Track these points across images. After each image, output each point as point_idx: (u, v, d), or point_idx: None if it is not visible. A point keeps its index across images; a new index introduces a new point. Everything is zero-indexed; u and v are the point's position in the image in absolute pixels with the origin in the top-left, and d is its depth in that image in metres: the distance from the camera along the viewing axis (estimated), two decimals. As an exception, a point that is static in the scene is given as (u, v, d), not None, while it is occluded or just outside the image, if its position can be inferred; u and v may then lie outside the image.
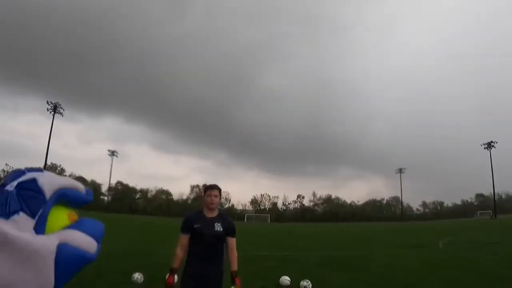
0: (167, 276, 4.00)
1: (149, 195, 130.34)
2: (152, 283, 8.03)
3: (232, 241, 4.37)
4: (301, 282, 8.01)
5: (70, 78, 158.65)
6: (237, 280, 4.15)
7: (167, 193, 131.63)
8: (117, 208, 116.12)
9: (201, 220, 4.26)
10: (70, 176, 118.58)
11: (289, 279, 8.47)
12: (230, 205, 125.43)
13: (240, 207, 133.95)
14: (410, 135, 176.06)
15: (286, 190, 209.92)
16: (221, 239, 4.25)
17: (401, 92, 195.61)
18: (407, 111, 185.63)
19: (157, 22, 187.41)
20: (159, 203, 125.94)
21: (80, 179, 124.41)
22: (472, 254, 14.70)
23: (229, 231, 4.34)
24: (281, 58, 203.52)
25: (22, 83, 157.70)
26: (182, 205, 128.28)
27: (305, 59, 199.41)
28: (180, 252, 4.25)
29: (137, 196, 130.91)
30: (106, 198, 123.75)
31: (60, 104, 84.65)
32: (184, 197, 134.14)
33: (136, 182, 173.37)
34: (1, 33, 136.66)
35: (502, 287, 7.31)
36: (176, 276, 3.94)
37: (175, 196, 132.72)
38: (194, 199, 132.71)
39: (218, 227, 4.26)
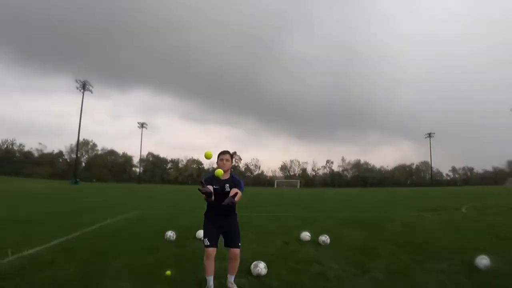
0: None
1: (180, 165, 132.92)
2: (183, 240, 8.77)
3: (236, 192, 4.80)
4: (320, 237, 8.66)
5: (97, 55, 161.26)
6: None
7: (198, 162, 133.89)
8: (149, 179, 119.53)
9: (216, 182, 5.01)
10: (102, 150, 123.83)
11: (309, 235, 9.14)
12: (260, 171, 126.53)
13: (270, 174, 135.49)
14: (439, 99, 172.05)
15: (316, 155, 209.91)
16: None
17: (429, 56, 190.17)
18: (436, 74, 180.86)
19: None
20: (190, 173, 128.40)
21: (112, 152, 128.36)
22: (491, 218, 14.97)
23: (235, 186, 5.00)
24: (309, 23, 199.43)
25: (50, 64, 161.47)
26: (213, 174, 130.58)
27: (333, 24, 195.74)
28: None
29: (168, 166, 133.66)
30: (138, 169, 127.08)
31: (89, 82, 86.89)
32: (215, 165, 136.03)
33: (167, 152, 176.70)
34: (25, 18, 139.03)
35: None
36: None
37: (206, 165, 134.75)
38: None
39: (227, 187, 5.03)
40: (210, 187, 4.62)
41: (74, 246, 7.94)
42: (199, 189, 4.50)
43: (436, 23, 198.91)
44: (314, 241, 8.78)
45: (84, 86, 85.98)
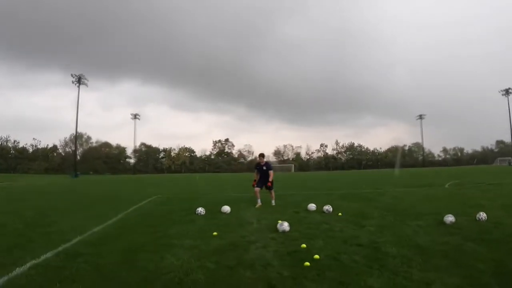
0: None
1: (172, 153, 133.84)
2: (212, 214, 10.73)
3: (270, 172, 13.10)
4: (324, 207, 10.75)
5: (85, 48, 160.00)
6: (269, 184, 13.12)
7: (190, 151, 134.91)
8: (143, 169, 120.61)
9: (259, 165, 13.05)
10: (96, 142, 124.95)
11: (315, 205, 11.23)
12: (253, 157, 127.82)
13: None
14: (431, 81, 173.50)
15: (309, 140, 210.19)
16: (266, 171, 13.02)
17: (421, 38, 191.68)
18: (427, 57, 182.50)
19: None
20: (183, 161, 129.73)
21: (106, 144, 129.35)
22: (468, 191, 17.16)
23: (269, 168, 13.04)
24: (301, 7, 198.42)
25: (38, 59, 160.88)
26: (206, 161, 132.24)
27: (325, 6, 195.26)
28: (255, 175, 13.33)
29: (161, 155, 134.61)
30: (132, 160, 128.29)
31: (84, 75, 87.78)
32: (207, 152, 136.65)
33: (159, 142, 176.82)
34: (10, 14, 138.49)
35: (477, 211, 9.66)
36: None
37: (198, 153, 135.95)
38: (217, 154, 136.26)
39: (264, 167, 13.10)
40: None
41: (127, 223, 9.63)
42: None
43: (429, 6, 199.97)
44: (318, 211, 10.90)
45: (79, 80, 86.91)
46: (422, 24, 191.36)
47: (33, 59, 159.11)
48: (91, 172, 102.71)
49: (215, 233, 7.62)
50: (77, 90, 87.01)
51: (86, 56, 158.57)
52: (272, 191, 13.31)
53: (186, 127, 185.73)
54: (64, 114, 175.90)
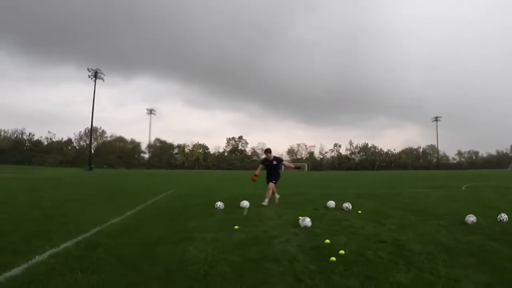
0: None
1: (186, 150, 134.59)
2: (230, 208, 10.84)
3: (284, 162, 12.79)
4: (343, 204, 10.78)
5: (100, 44, 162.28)
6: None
7: (204, 147, 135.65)
8: (157, 164, 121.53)
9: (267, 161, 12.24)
10: (110, 137, 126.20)
11: (334, 203, 11.25)
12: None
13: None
14: (446, 82, 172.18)
15: (322, 139, 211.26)
16: (277, 165, 12.02)
17: (437, 38, 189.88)
18: (443, 57, 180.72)
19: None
20: (197, 157, 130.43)
21: (121, 139, 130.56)
22: (485, 194, 17.09)
23: (280, 161, 12.47)
24: (313, 5, 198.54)
25: (55, 53, 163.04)
26: (219, 158, 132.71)
27: (338, 6, 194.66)
28: (258, 171, 12.52)
29: (175, 151, 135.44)
30: (146, 155, 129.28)
31: (100, 70, 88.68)
32: (221, 149, 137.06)
33: (173, 138, 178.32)
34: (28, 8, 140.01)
35: (497, 213, 9.60)
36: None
37: (212, 150, 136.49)
38: (231, 151, 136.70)
39: (274, 161, 12.23)
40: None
41: (145, 216, 9.71)
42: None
43: (445, 4, 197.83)
44: (338, 208, 10.92)
45: (95, 75, 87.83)
46: (438, 22, 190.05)
47: (49, 54, 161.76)
48: (105, 166, 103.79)
49: (236, 227, 7.67)
50: (93, 85, 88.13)
51: (101, 52, 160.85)
52: (275, 186, 12.28)
53: (200, 123, 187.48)
54: (78, 108, 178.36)
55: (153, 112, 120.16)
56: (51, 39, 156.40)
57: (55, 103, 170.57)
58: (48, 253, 5.57)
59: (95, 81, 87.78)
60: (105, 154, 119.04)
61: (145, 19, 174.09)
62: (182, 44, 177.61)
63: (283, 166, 13.02)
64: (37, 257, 5.32)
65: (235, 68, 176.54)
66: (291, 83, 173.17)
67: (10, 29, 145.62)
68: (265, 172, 12.51)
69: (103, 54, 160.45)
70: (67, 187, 21.09)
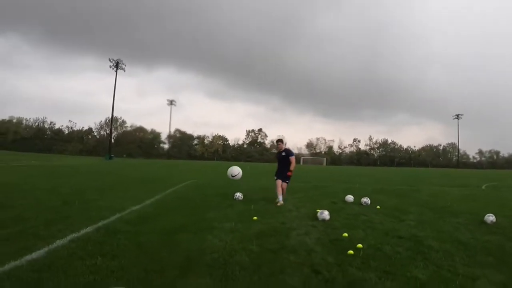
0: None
1: (205, 141, 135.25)
2: (249, 200, 10.94)
3: (291, 158, 10.78)
4: (362, 199, 10.78)
5: (122, 34, 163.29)
6: (289, 173, 10.71)
7: (223, 139, 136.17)
8: (176, 154, 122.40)
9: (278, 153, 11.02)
10: (131, 127, 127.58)
11: (353, 197, 11.26)
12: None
13: (295, 151, 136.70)
14: (469, 80, 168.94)
15: (342, 134, 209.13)
16: (285, 158, 10.76)
17: (461, 35, 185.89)
18: (467, 55, 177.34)
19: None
20: (216, 149, 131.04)
21: (141, 129, 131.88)
22: (506, 194, 16.92)
23: (289, 154, 10.88)
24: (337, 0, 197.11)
25: (77, 43, 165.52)
26: (238, 150, 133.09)
27: (361, 1, 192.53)
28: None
29: (195, 142, 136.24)
30: (166, 145, 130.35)
31: (121, 61, 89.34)
32: (240, 142, 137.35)
33: (193, 129, 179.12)
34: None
35: None
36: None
37: (231, 142, 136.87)
38: (250, 144, 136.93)
39: (283, 153, 10.89)
40: None
41: (164, 205, 9.85)
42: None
43: (471, 0, 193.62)
44: (356, 202, 10.95)
45: (117, 65, 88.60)
46: (462, 19, 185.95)
47: (71, 44, 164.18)
48: (124, 156, 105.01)
49: (255, 218, 7.78)
50: (114, 75, 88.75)
51: (123, 43, 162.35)
52: (285, 185, 10.72)
53: (220, 115, 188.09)
54: (99, 98, 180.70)
55: (173, 103, 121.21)
56: (72, 29, 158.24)
57: (77, 93, 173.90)
58: (68, 237, 5.70)
59: (116, 72, 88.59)
60: (125, 144, 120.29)
61: (168, 9, 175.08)
62: (204, 35, 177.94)
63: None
64: (57, 241, 5.45)
65: (256, 60, 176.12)
66: (312, 76, 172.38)
67: (33, 20, 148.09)
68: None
69: (125, 45, 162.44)
70: (87, 175, 21.43)
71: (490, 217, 8.24)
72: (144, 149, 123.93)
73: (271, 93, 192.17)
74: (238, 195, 11.09)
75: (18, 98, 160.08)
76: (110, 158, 73.61)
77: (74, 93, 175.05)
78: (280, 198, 10.34)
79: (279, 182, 10.56)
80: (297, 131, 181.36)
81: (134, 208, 8.91)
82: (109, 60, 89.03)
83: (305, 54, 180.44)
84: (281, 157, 10.95)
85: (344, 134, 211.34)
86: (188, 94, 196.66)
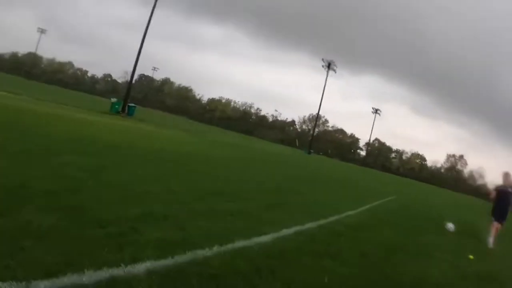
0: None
1: (403, 156, 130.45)
2: (458, 233, 10.49)
3: None
4: None
5: (335, 36, 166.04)
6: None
7: (422, 158, 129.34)
8: (371, 163, 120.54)
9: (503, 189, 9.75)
10: (332, 127, 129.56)
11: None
12: (483, 181, 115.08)
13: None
14: None
15: None
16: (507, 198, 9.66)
17: None
18: None
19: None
20: (412, 166, 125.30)
21: (341, 131, 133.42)
22: None
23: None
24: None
25: (291, 40, 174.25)
26: (435, 172, 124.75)
27: None
28: (492, 194, 9.93)
29: (392, 155, 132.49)
30: (362, 152, 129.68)
31: (334, 62, 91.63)
32: (438, 165, 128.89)
33: (392, 141, 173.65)
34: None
35: None
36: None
37: (429, 162, 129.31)
38: (448, 169, 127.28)
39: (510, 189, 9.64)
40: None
41: (377, 216, 10.13)
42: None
43: None
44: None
45: (329, 66, 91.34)
46: None
47: (287, 39, 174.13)
48: (321, 153, 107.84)
49: (471, 256, 7.51)
50: (323, 74, 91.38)
51: (335, 44, 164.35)
52: (500, 226, 9.70)
53: (422, 133, 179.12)
54: (306, 94, 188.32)
55: (378, 112, 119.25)
56: (290, 25, 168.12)
57: (285, 85, 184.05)
58: (293, 229, 5.86)
59: (327, 72, 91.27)
60: (323, 142, 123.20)
61: (381, 19, 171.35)
62: (414, 47, 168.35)
63: None
64: (284, 230, 5.65)
65: (466, 80, 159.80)
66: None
67: (253, 12, 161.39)
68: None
69: (336, 46, 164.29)
70: (294, 166, 22.81)
71: None
72: (340, 150, 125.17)
73: (478, 117, 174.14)
74: (450, 226, 10.76)
75: (230, 81, 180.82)
76: (309, 153, 76.82)
77: (284, 85, 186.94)
78: (491, 240, 9.41)
79: (495, 224, 9.60)
80: (501, 164, 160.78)
81: (350, 213, 9.25)
82: (322, 60, 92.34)
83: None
84: (503, 194, 9.71)
85: None
86: (392, 106, 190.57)
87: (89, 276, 2.76)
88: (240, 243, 4.49)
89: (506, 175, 9.94)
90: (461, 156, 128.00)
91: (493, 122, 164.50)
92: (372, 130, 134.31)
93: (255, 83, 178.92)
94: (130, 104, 38.24)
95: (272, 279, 3.66)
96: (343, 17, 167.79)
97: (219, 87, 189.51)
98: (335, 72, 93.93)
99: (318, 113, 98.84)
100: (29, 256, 2.85)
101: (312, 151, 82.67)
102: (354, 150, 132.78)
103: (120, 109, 35.53)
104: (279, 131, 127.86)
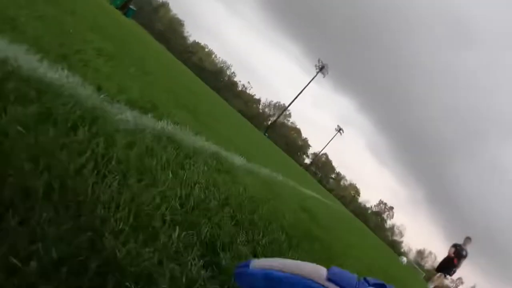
0: None
1: (342, 182, 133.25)
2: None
3: None
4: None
5: (334, 43, 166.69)
6: None
7: (357, 192, 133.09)
8: (310, 172, 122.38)
9: None
10: (291, 123, 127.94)
11: None
12: (400, 239, 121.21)
13: None
14: None
15: None
16: None
17: None
18: None
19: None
20: (345, 195, 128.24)
21: (297, 131, 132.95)
22: None
23: None
24: None
25: (294, 30, 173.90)
26: (362, 210, 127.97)
27: None
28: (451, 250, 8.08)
29: (332, 175, 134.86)
30: (307, 159, 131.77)
31: (327, 67, 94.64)
32: (368, 205, 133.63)
33: (338, 163, 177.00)
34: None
35: None
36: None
37: (361, 199, 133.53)
38: (374, 213, 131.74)
39: None
40: None
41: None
42: None
43: None
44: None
45: (321, 68, 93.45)
46: None
47: (290, 27, 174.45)
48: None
49: None
50: (308, 75, 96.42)
51: (330, 51, 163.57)
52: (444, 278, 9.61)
53: (369, 169, 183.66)
54: (280, 83, 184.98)
55: (341, 131, 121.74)
56: (298, 18, 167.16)
57: (268, 65, 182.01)
58: None
59: (317, 72, 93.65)
60: (278, 133, 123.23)
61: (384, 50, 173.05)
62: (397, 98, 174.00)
63: None
64: None
65: (424, 152, 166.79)
66: None
67: None
68: None
69: (331, 55, 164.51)
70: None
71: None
72: (289, 148, 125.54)
73: (421, 185, 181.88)
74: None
75: (220, 32, 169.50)
76: (265, 134, 77.92)
77: (265, 64, 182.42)
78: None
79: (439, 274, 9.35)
80: (421, 232, 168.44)
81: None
82: (318, 60, 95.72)
83: None
84: (459, 254, 9.34)
85: None
86: (353, 131, 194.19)
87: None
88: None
89: (467, 239, 9.84)
90: (391, 208, 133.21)
91: (431, 196, 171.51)
92: (326, 144, 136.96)
93: (242, 48, 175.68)
94: (131, 7, 36.87)
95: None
96: (351, 29, 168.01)
97: (206, 33, 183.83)
98: (324, 77, 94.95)
99: (289, 104, 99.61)
100: None
101: (267, 134, 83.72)
102: (300, 154, 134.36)
103: (119, 6, 34.22)
104: (243, 103, 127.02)
